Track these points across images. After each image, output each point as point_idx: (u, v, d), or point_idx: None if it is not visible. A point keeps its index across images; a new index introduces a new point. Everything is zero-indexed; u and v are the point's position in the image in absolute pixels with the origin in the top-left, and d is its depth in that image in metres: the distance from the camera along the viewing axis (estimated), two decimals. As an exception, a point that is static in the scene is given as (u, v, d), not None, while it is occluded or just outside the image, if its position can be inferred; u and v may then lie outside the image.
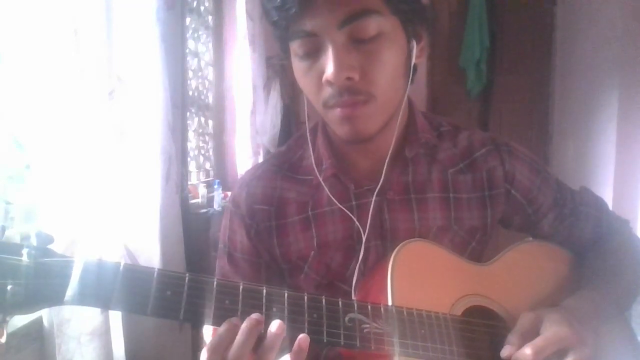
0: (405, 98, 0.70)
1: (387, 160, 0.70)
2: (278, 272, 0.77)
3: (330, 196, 0.72)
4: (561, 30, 3.42)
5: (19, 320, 0.94)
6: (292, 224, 0.74)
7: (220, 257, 0.79)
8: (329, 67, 0.59)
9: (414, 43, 0.66)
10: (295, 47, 0.63)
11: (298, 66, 0.65)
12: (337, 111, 0.63)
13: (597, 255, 0.76)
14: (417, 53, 0.67)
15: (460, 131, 0.78)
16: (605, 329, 0.64)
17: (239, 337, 0.49)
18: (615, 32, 2.68)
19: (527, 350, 0.56)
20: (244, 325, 0.49)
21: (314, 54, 0.62)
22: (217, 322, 0.50)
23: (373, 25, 0.59)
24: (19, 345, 0.92)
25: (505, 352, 0.58)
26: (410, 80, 0.68)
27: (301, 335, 0.51)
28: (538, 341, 0.57)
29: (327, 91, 0.62)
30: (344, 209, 0.71)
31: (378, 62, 0.61)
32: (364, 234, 0.70)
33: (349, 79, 0.59)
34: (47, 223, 0.94)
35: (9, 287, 0.44)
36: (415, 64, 0.68)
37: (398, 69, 0.64)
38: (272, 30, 0.66)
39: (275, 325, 0.50)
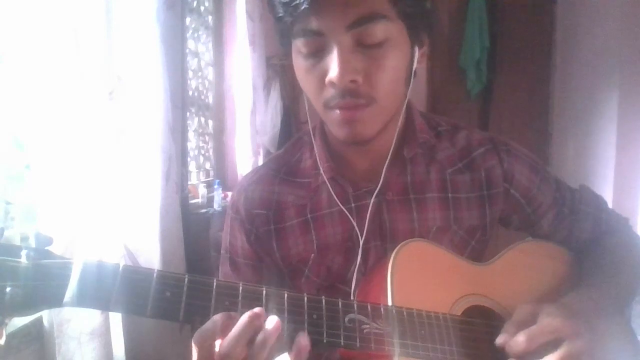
0: (405, 101, 0.71)
1: (387, 162, 0.70)
2: (280, 275, 0.77)
3: (333, 196, 0.72)
4: (561, 30, 3.42)
5: (19, 321, 0.94)
6: (291, 227, 0.74)
7: (222, 264, 0.79)
8: (333, 69, 0.59)
9: (416, 48, 0.66)
10: (299, 45, 0.62)
11: (300, 64, 0.64)
12: (337, 113, 0.62)
13: (596, 253, 0.76)
14: (419, 58, 0.67)
15: (459, 131, 0.78)
16: (603, 326, 0.64)
17: (236, 329, 0.48)
18: (615, 32, 2.68)
19: (520, 337, 0.56)
20: (244, 317, 0.48)
21: (318, 53, 0.61)
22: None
23: (380, 30, 0.59)
24: (19, 345, 0.92)
25: (499, 339, 0.59)
26: (410, 84, 0.68)
27: (301, 335, 0.50)
28: (532, 329, 0.57)
29: (329, 92, 0.62)
30: (344, 209, 0.71)
31: (382, 67, 0.61)
32: (362, 236, 0.70)
33: (352, 82, 0.59)
34: (47, 223, 0.94)
35: (7, 289, 0.44)
36: (415, 69, 0.68)
37: (400, 74, 0.64)
38: (274, 25, 0.66)
39: (272, 322, 0.49)
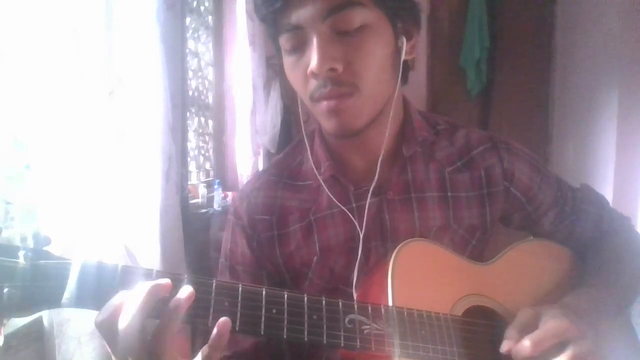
0: (397, 96, 0.70)
1: (380, 159, 0.70)
2: (280, 283, 0.76)
3: (331, 197, 0.72)
4: (561, 30, 3.42)
5: (19, 321, 0.94)
6: (294, 231, 0.74)
7: (221, 273, 0.78)
8: (313, 59, 0.60)
9: (404, 40, 0.66)
10: (283, 41, 0.64)
11: (286, 62, 0.66)
12: (323, 104, 0.63)
13: (597, 252, 0.76)
14: (407, 50, 0.67)
15: (458, 129, 0.78)
16: (605, 326, 0.64)
17: (134, 298, 0.45)
18: (615, 32, 2.68)
19: (526, 342, 0.56)
20: (145, 285, 0.46)
21: (300, 47, 0.63)
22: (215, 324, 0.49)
23: (357, 17, 0.60)
24: (19, 345, 0.92)
25: (504, 346, 0.58)
26: (400, 77, 0.68)
27: (221, 319, 0.48)
28: (537, 333, 0.56)
29: (312, 83, 0.63)
30: (344, 209, 0.71)
31: (362, 53, 0.61)
32: (361, 235, 0.70)
33: (332, 70, 0.60)
34: (47, 223, 0.94)
35: (5, 290, 0.43)
36: (407, 62, 0.68)
37: (384, 62, 0.64)
38: (265, 28, 0.68)
39: (185, 292, 0.47)
